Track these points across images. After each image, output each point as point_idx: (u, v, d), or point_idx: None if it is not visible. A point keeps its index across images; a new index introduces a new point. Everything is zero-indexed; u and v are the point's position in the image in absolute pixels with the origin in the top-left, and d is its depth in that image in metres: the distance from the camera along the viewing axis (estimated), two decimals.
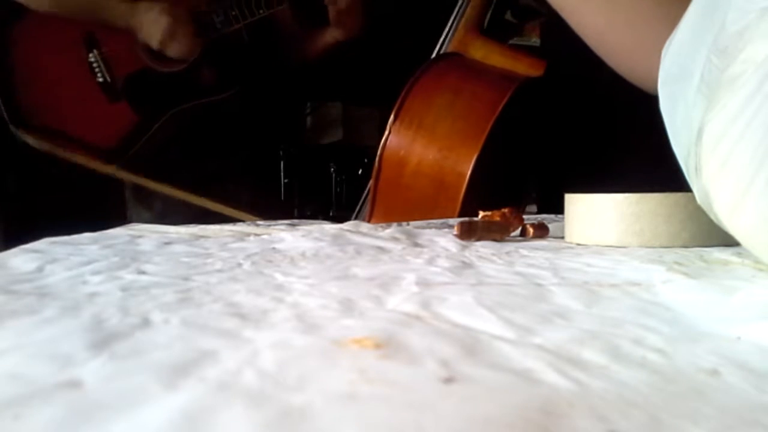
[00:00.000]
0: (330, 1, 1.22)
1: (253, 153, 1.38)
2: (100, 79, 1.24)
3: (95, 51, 1.23)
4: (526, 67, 0.91)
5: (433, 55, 0.96)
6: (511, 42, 1.07)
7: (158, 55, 1.23)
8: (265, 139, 1.45)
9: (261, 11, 1.21)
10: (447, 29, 0.98)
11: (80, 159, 1.22)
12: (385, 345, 0.17)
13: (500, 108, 0.80)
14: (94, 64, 1.23)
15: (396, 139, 0.83)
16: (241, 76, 1.30)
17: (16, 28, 1.22)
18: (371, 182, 0.85)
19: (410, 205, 0.82)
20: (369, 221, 0.82)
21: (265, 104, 1.38)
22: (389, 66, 0.93)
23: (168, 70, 1.24)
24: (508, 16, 1.09)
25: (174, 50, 1.21)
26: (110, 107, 1.25)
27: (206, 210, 1.23)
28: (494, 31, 1.04)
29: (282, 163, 1.83)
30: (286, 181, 1.85)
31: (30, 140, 1.21)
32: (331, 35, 1.30)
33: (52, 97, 1.25)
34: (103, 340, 0.17)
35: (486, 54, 0.94)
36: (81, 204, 1.33)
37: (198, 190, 1.24)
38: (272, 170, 1.73)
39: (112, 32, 1.22)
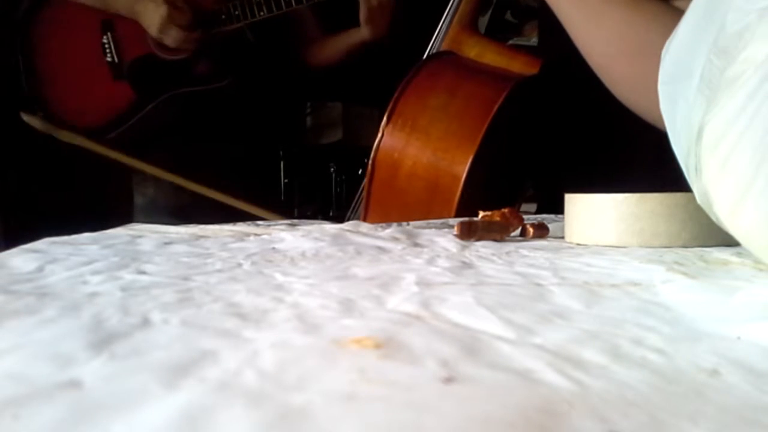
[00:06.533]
0: None
1: (251, 149, 1.40)
2: (109, 59, 1.35)
3: (109, 34, 1.34)
4: (521, 66, 0.89)
5: (426, 54, 0.95)
6: (511, 42, 1.07)
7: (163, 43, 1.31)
8: (264, 138, 1.47)
9: (261, 14, 1.28)
10: (439, 26, 0.96)
11: (81, 141, 1.29)
12: (385, 345, 0.17)
13: (496, 109, 0.78)
14: (106, 46, 1.34)
15: (389, 142, 0.81)
16: (236, 68, 1.36)
17: (44, 10, 1.34)
18: (365, 186, 0.84)
19: (405, 209, 0.81)
20: None
21: (263, 101, 1.40)
22: (389, 65, 0.92)
23: (170, 58, 1.33)
24: (508, 16, 1.09)
25: (170, 39, 1.28)
26: (113, 84, 1.35)
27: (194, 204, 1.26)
28: (494, 31, 1.03)
29: (282, 163, 1.83)
30: (286, 181, 1.86)
31: (35, 123, 1.29)
32: (359, 35, 1.31)
33: (64, 70, 1.36)
34: (103, 340, 0.17)
35: (480, 52, 0.92)
36: (82, 203, 1.34)
37: (193, 178, 1.29)
38: (272, 170, 1.73)
39: (128, 19, 1.32)
